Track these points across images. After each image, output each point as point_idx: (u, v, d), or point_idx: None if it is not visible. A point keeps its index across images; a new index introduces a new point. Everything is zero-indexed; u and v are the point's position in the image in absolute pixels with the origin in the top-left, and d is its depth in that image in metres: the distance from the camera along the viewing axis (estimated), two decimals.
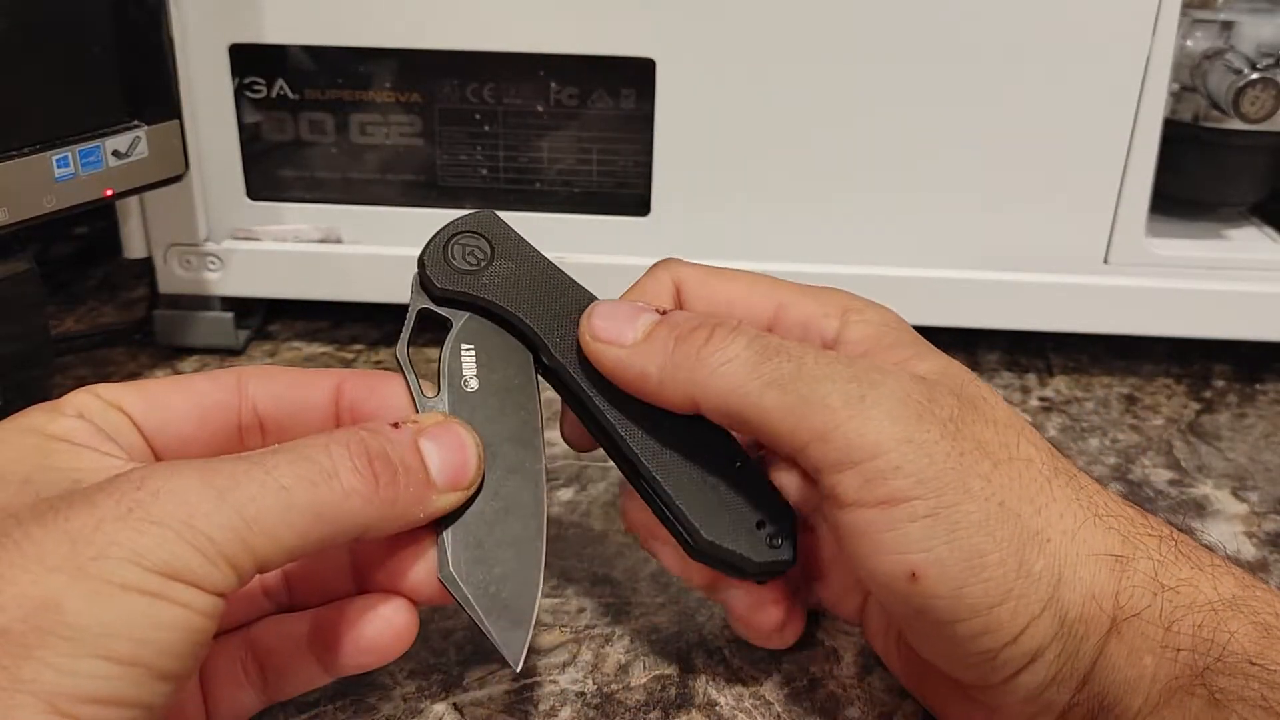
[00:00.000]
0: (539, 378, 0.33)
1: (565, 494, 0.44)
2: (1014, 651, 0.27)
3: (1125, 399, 0.53)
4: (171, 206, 0.51)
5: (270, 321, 0.57)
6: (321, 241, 0.52)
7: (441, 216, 0.51)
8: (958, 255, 0.51)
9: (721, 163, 0.50)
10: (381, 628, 0.30)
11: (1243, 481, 0.46)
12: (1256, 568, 0.41)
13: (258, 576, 0.26)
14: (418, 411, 0.31)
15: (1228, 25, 0.51)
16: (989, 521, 0.27)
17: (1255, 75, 0.49)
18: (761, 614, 0.33)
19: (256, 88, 0.50)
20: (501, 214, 0.51)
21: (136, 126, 0.44)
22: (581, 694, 0.34)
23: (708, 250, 0.51)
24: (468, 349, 0.32)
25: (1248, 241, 0.55)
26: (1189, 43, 0.51)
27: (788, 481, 0.32)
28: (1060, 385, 0.54)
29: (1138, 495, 0.45)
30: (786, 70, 0.48)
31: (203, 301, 0.53)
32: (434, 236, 0.33)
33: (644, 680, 0.34)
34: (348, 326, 0.57)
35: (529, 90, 0.50)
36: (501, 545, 0.30)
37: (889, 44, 0.48)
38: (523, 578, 0.30)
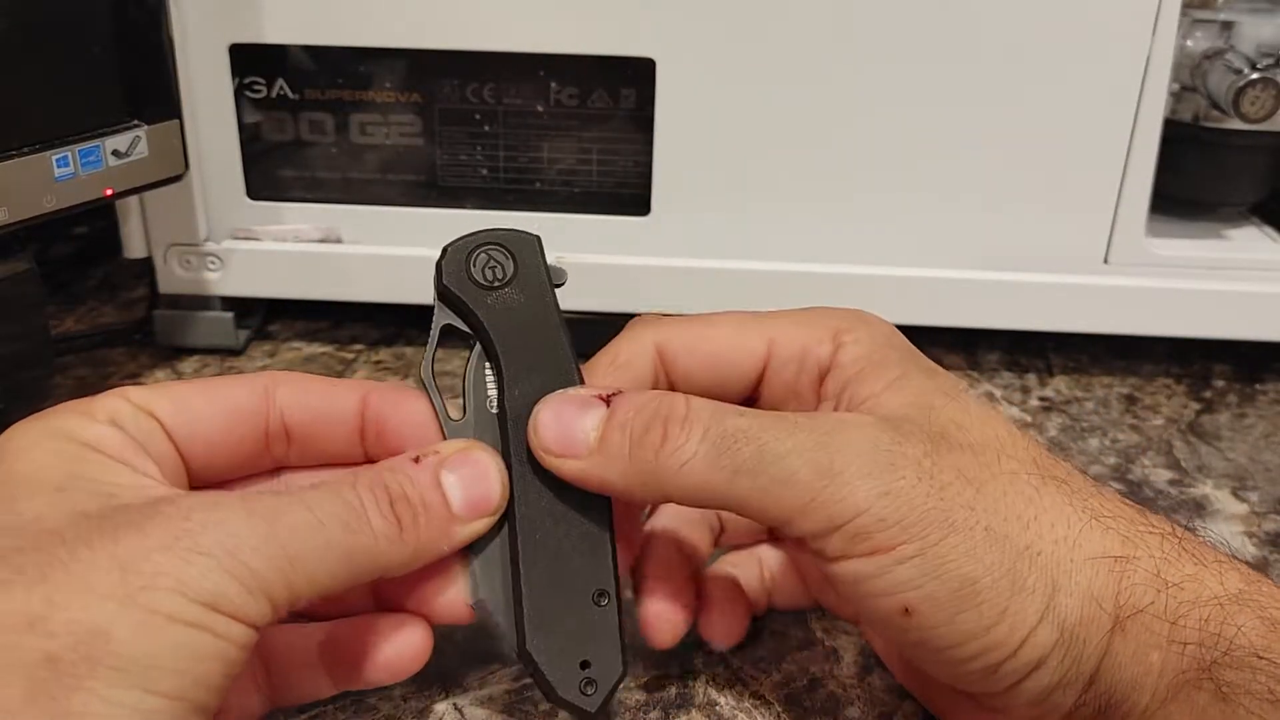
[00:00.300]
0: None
1: None
2: (1015, 664, 0.27)
3: (1125, 399, 0.53)
4: (171, 206, 0.51)
5: (270, 321, 0.57)
6: (321, 241, 0.52)
7: (441, 216, 0.52)
8: (958, 255, 0.51)
9: (721, 163, 0.50)
10: (400, 648, 0.30)
11: (1243, 481, 0.46)
12: (1256, 568, 0.41)
13: None
14: (444, 434, 0.31)
15: (1228, 25, 0.51)
16: (976, 549, 0.27)
17: (1255, 75, 0.49)
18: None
19: (256, 88, 0.50)
20: (501, 214, 0.51)
21: (136, 126, 0.44)
22: None
23: (708, 250, 0.51)
24: (491, 368, 0.32)
25: (1248, 241, 0.55)
26: (1189, 43, 0.51)
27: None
28: (1060, 385, 0.54)
29: (1138, 495, 0.45)
30: (786, 70, 0.48)
31: (203, 301, 0.53)
32: (466, 236, 0.32)
33: (644, 680, 0.34)
34: (348, 326, 0.57)
35: (529, 90, 0.50)
36: None
37: (889, 44, 0.48)
38: None
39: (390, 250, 0.52)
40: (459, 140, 0.51)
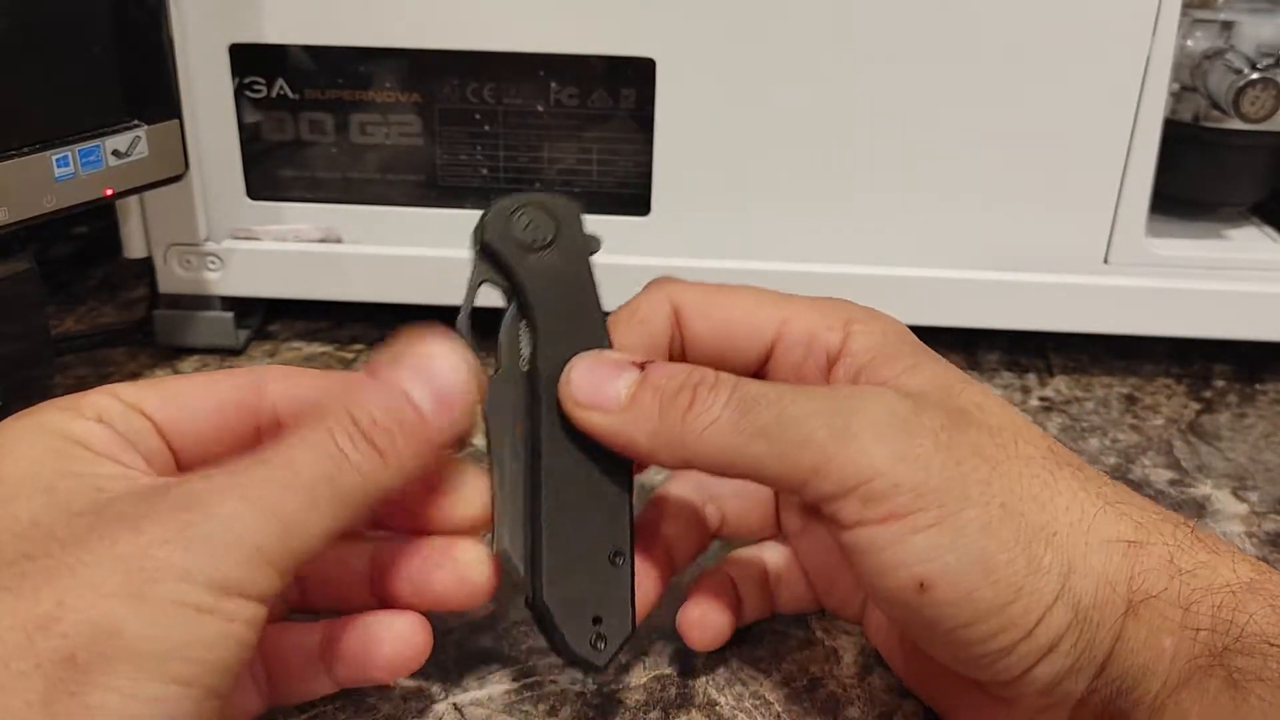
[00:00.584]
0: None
1: None
2: (1029, 646, 0.27)
3: (1125, 399, 0.53)
4: (171, 206, 0.51)
5: (270, 321, 0.57)
6: (321, 241, 0.52)
7: (441, 216, 0.52)
8: (958, 255, 0.51)
9: (721, 163, 0.50)
10: (399, 646, 0.30)
11: (1243, 481, 0.46)
12: None
13: None
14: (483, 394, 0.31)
15: (1228, 25, 0.51)
16: (992, 524, 0.27)
17: (1255, 75, 0.49)
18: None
19: (256, 87, 0.50)
20: None
21: (136, 126, 0.44)
22: (581, 694, 0.34)
23: (708, 250, 0.51)
24: (525, 327, 0.32)
25: (1248, 241, 0.55)
26: (1189, 43, 0.51)
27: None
28: (1060, 385, 0.54)
29: None
30: (786, 70, 0.48)
31: (203, 301, 0.53)
32: (512, 196, 0.33)
33: (644, 680, 0.34)
34: (348, 326, 0.57)
35: (529, 90, 0.50)
36: None
37: (889, 44, 0.48)
38: None
39: (390, 250, 0.52)
40: (459, 140, 0.51)
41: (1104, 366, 0.55)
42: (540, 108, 0.50)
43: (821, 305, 0.33)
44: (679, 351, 0.33)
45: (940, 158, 0.49)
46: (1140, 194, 0.50)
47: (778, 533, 0.37)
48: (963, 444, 0.28)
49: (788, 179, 0.50)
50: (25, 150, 0.40)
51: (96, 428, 0.28)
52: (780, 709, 0.34)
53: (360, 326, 0.57)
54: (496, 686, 0.34)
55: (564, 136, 0.50)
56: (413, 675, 0.34)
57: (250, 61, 0.49)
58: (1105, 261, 0.51)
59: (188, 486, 0.26)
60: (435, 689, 0.34)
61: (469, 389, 0.30)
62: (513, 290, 0.32)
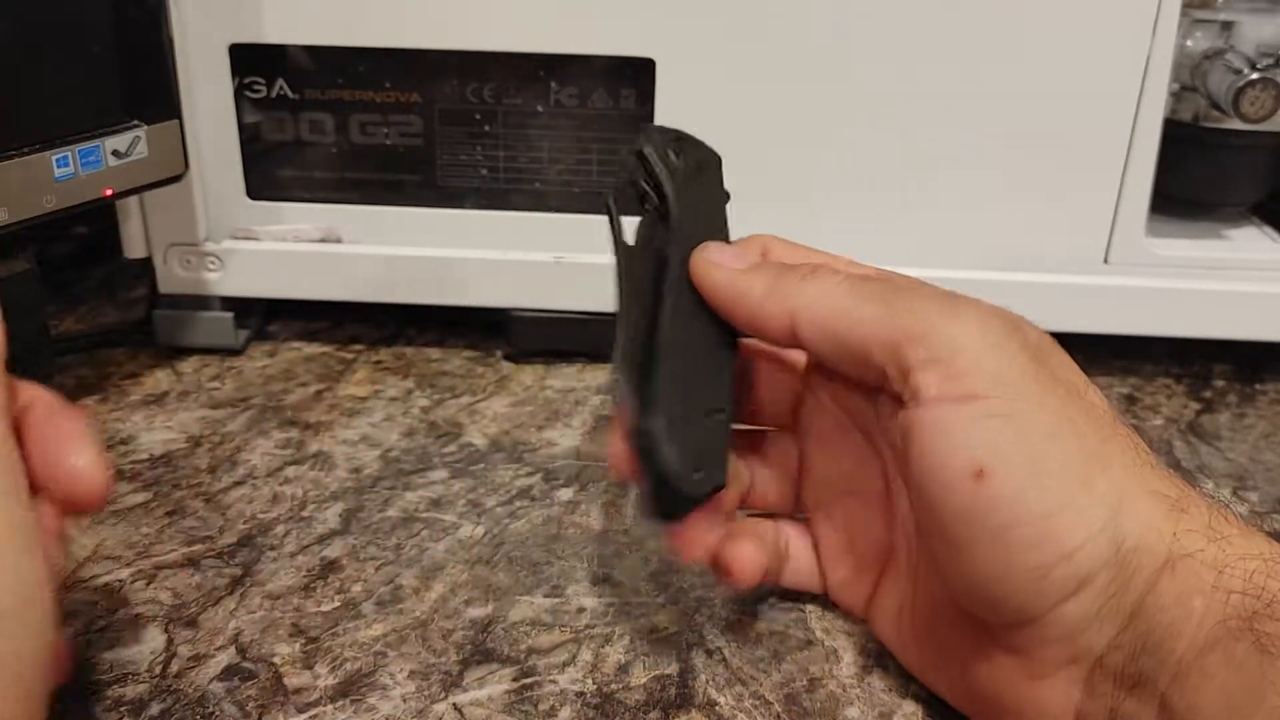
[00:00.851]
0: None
1: (565, 494, 0.44)
2: (1066, 570, 0.27)
3: (1125, 399, 0.53)
4: (171, 206, 0.51)
5: (270, 321, 0.57)
6: (321, 241, 0.52)
7: (441, 217, 0.52)
8: (958, 255, 0.51)
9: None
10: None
11: (1243, 481, 0.46)
12: None
13: None
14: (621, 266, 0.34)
15: (1228, 25, 0.51)
16: (1058, 432, 0.28)
17: (1255, 75, 0.49)
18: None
19: (256, 88, 0.50)
20: (501, 214, 0.51)
21: (136, 126, 0.44)
22: (581, 694, 0.34)
23: None
24: (660, 227, 0.35)
25: (1248, 241, 0.55)
26: (1189, 43, 0.51)
27: None
28: None
29: None
30: (786, 71, 0.48)
31: (203, 301, 0.53)
32: (670, 128, 0.36)
33: (644, 680, 0.34)
34: (348, 326, 0.57)
35: (529, 90, 0.50)
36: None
37: (889, 44, 0.48)
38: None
39: (390, 250, 0.52)
40: (459, 140, 0.51)
41: (1104, 366, 0.55)
42: (540, 108, 0.50)
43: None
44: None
45: (940, 158, 0.49)
46: (1140, 194, 0.50)
47: (794, 513, 0.38)
48: (1045, 367, 0.30)
49: (787, 179, 0.50)
50: (25, 150, 0.40)
51: None
52: (780, 709, 0.34)
53: (360, 326, 0.57)
54: (496, 686, 0.34)
55: (564, 136, 0.50)
56: (413, 675, 0.34)
57: (250, 61, 0.49)
58: (1105, 261, 0.51)
59: None
60: (435, 689, 0.34)
61: None
62: (655, 194, 0.35)
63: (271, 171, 0.51)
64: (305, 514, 0.42)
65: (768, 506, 0.38)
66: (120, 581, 0.38)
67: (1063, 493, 0.28)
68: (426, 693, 0.34)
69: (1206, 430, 0.50)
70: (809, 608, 0.38)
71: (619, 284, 0.34)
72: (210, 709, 0.33)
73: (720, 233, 0.36)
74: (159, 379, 0.51)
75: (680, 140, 0.36)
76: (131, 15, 0.43)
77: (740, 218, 0.51)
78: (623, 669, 0.35)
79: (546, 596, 0.38)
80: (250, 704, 0.33)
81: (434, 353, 0.55)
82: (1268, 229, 0.55)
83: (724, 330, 0.34)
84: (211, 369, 0.52)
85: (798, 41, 0.48)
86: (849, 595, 0.36)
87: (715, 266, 0.33)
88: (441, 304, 0.53)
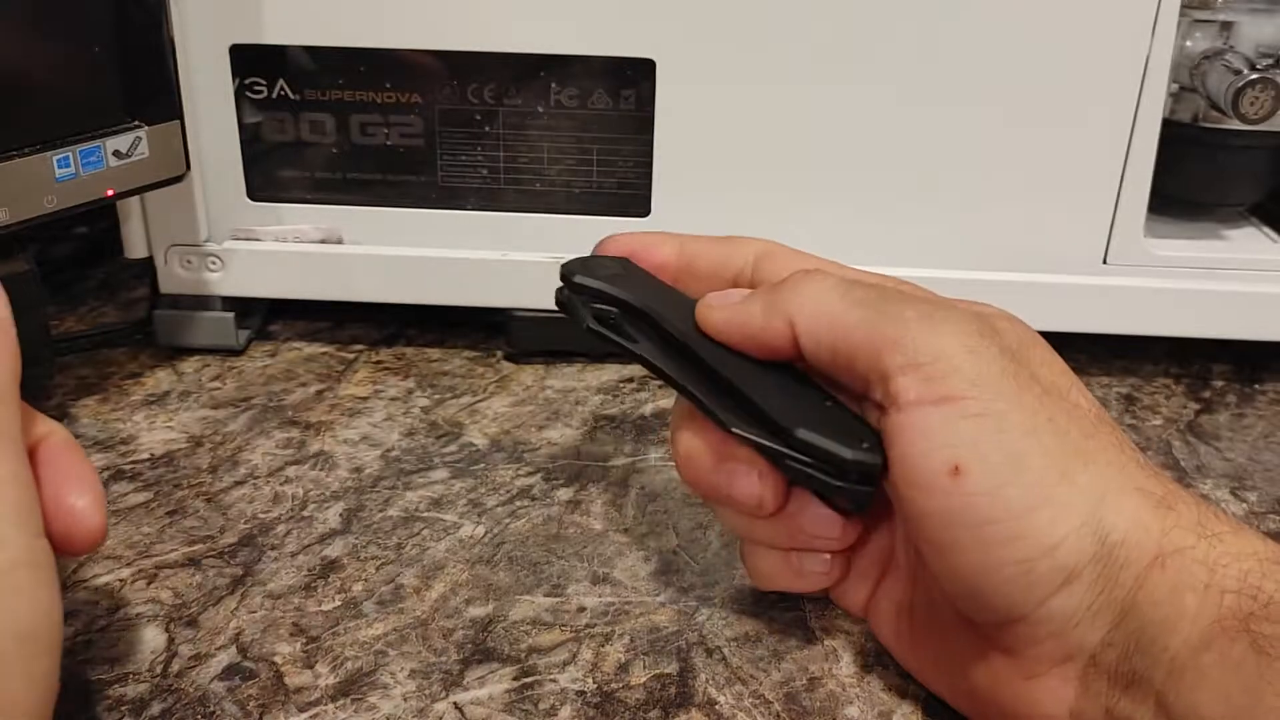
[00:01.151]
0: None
1: (565, 494, 0.44)
2: (1050, 564, 0.28)
3: (1124, 399, 0.53)
4: (172, 206, 0.51)
5: (271, 321, 0.57)
6: (322, 242, 0.52)
7: (441, 217, 0.52)
8: (957, 255, 0.51)
9: (721, 163, 0.50)
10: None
11: (1242, 481, 0.47)
12: None
13: None
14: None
15: (1227, 25, 0.51)
16: (1037, 430, 0.29)
17: (1254, 75, 0.49)
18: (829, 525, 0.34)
19: (257, 88, 0.50)
20: (502, 215, 0.52)
21: (137, 126, 0.44)
22: (581, 693, 0.34)
23: None
24: (634, 322, 0.36)
25: (1247, 241, 0.55)
26: (1188, 43, 0.51)
27: None
28: None
29: None
30: (786, 71, 0.48)
31: (203, 301, 0.53)
32: (568, 262, 0.37)
33: (644, 680, 0.34)
34: (348, 327, 0.57)
35: (529, 90, 0.50)
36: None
37: (888, 44, 0.48)
38: None
39: (391, 250, 0.52)
40: (459, 140, 0.51)
41: (1103, 366, 0.55)
42: (540, 108, 0.50)
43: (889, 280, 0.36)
44: (747, 286, 0.36)
45: (940, 158, 0.49)
46: (1139, 194, 0.50)
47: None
48: (1025, 367, 0.30)
49: (788, 180, 0.50)
50: (26, 150, 0.40)
51: None
52: (780, 709, 0.34)
53: (361, 327, 0.57)
54: (496, 686, 0.34)
55: (564, 137, 0.50)
56: (413, 675, 0.34)
57: (251, 62, 0.49)
58: (1104, 262, 0.51)
59: None
60: (436, 688, 0.34)
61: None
62: (613, 305, 0.36)
63: (272, 172, 0.51)
64: (306, 514, 0.42)
65: None
66: (121, 581, 0.38)
67: (1042, 487, 0.28)
68: (427, 692, 0.34)
69: (1205, 430, 0.50)
70: (809, 607, 0.38)
71: (671, 384, 0.34)
72: (211, 708, 0.33)
73: (676, 293, 0.37)
74: (160, 379, 0.51)
75: (585, 263, 0.37)
76: (132, 15, 0.43)
77: (740, 218, 0.51)
78: (623, 668, 0.35)
79: (547, 596, 0.38)
80: (251, 703, 0.33)
81: (434, 353, 0.55)
82: (1266, 229, 0.56)
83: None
84: (212, 369, 0.52)
85: (798, 42, 0.48)
86: (849, 597, 0.36)
87: (714, 310, 0.34)
88: (441, 304, 0.53)
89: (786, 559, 0.35)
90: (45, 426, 0.31)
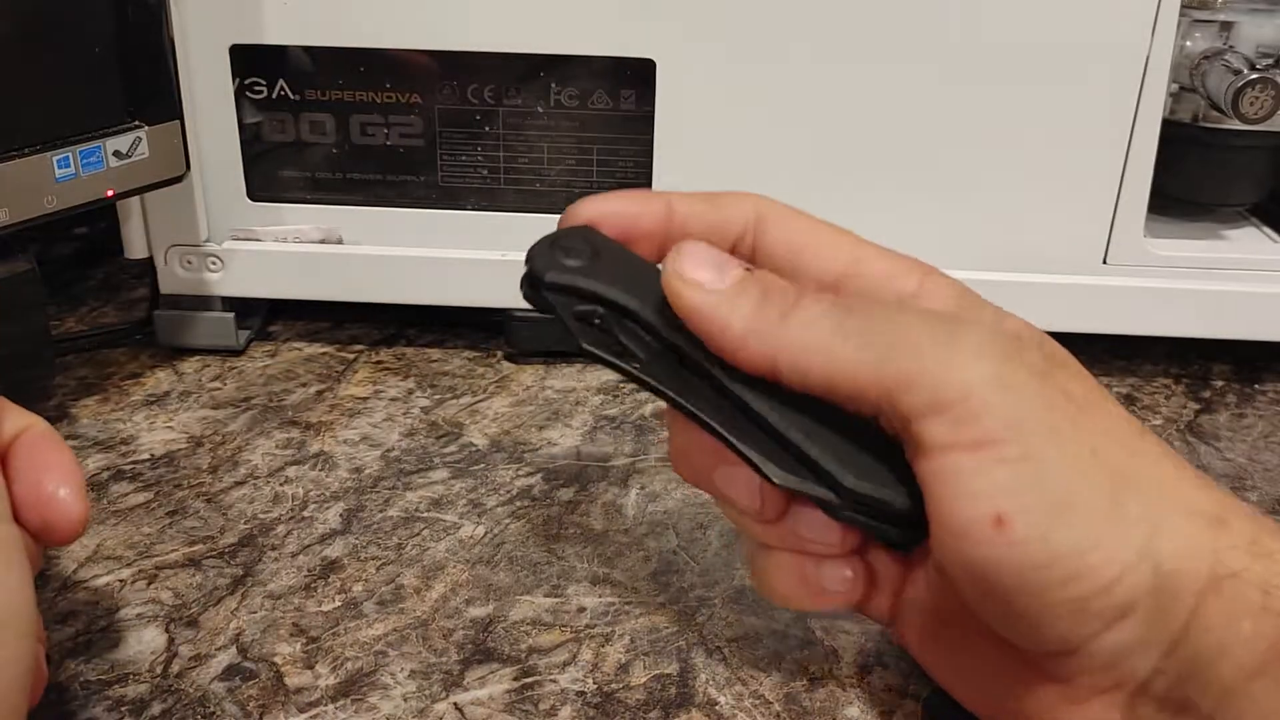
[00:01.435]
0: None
1: (565, 494, 0.44)
2: (1105, 602, 0.26)
3: (1124, 399, 0.53)
4: (172, 207, 0.51)
5: (271, 322, 0.57)
6: (322, 242, 0.52)
7: (441, 217, 0.52)
8: (957, 255, 0.51)
9: (721, 163, 0.50)
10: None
11: (1242, 481, 0.47)
12: None
13: None
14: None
15: (1227, 25, 0.51)
16: (1079, 465, 0.27)
17: (1254, 75, 0.49)
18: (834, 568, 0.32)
19: (257, 88, 0.50)
20: (502, 214, 0.52)
21: (137, 127, 0.44)
22: (581, 693, 0.34)
23: None
24: (622, 322, 0.31)
25: (1247, 241, 0.55)
26: (1188, 43, 0.51)
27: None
28: None
29: None
30: (786, 71, 0.48)
31: (204, 302, 0.53)
32: (536, 244, 0.32)
33: (644, 680, 0.34)
34: (348, 327, 0.57)
35: (529, 90, 0.50)
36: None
37: (888, 44, 0.48)
38: None
39: (391, 251, 0.52)
40: (459, 140, 0.51)
41: (1103, 366, 0.55)
42: (540, 108, 0.50)
43: (894, 254, 0.33)
44: (747, 257, 0.32)
45: (940, 158, 0.49)
46: (1139, 194, 0.50)
47: None
48: (1055, 385, 0.28)
49: (787, 180, 0.50)
50: (26, 151, 0.40)
51: None
52: (780, 709, 0.34)
53: (361, 327, 0.57)
54: (497, 686, 0.34)
55: (564, 137, 0.50)
56: (413, 675, 0.34)
57: (251, 62, 0.49)
58: (1104, 262, 0.51)
59: None
60: (435, 689, 0.34)
61: None
62: (595, 302, 0.31)
63: (272, 172, 0.51)
64: (306, 514, 0.42)
65: None
66: (121, 581, 0.38)
67: (1090, 527, 0.26)
68: (427, 692, 0.34)
69: (1205, 430, 0.50)
70: None
71: (684, 412, 0.30)
72: (211, 709, 0.33)
73: (647, 271, 0.32)
74: (160, 379, 0.51)
75: (559, 239, 0.32)
76: (132, 16, 0.43)
77: None
78: (623, 668, 0.35)
79: (547, 596, 0.38)
80: (251, 704, 0.33)
81: (434, 353, 0.55)
82: (1266, 229, 0.56)
83: None
84: (212, 369, 0.52)
85: (798, 43, 0.48)
86: (873, 608, 0.33)
87: (690, 287, 0.29)
88: (441, 304, 0.53)
89: (804, 578, 0.32)
90: (24, 419, 0.30)
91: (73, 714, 0.32)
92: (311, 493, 0.43)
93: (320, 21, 0.49)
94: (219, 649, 0.35)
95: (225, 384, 0.51)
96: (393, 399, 0.50)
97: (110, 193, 0.43)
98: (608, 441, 0.47)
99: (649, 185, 0.51)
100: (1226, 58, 0.50)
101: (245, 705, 0.33)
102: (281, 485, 0.44)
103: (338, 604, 0.37)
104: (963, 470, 0.27)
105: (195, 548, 0.40)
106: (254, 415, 0.49)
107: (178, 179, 0.46)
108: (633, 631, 0.36)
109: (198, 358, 0.53)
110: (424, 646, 0.35)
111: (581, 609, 0.37)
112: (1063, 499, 0.26)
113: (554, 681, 0.34)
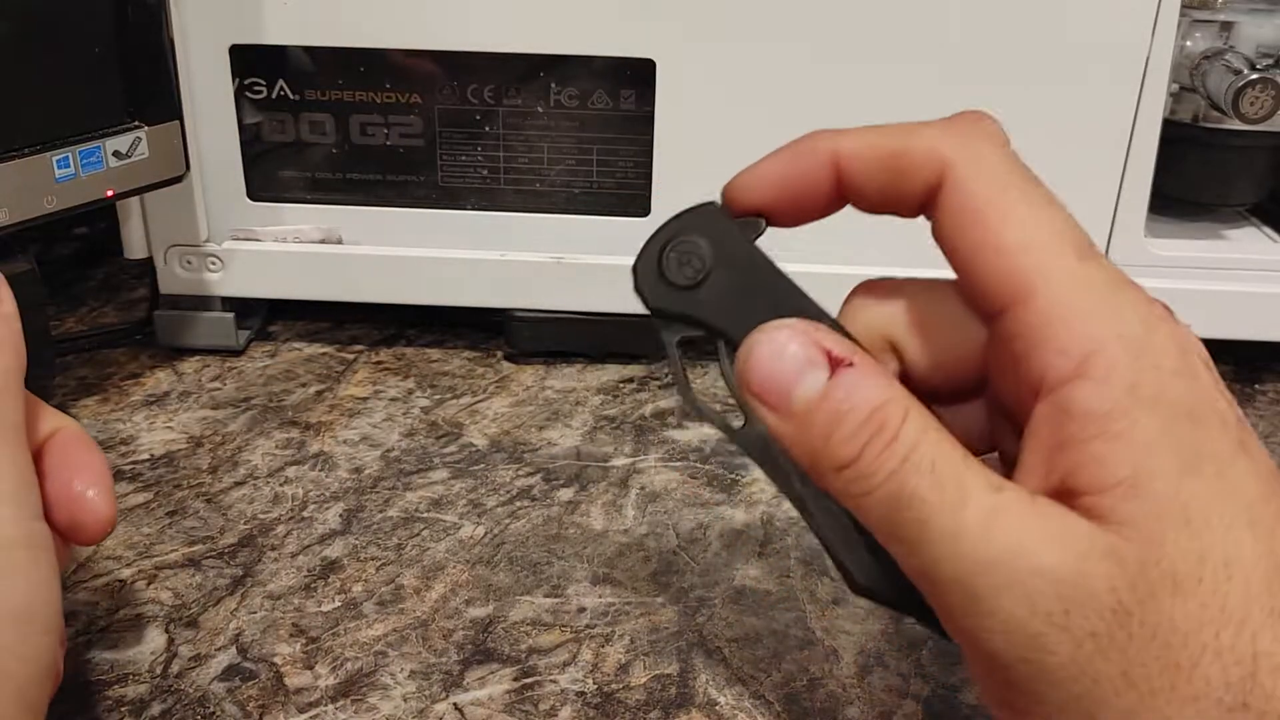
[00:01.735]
0: None
1: (565, 494, 0.44)
2: None
3: None
4: (172, 207, 0.51)
5: (271, 322, 0.57)
6: (322, 242, 0.52)
7: (441, 217, 0.52)
8: None
9: (721, 163, 0.50)
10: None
11: None
12: None
13: None
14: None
15: (1227, 25, 0.51)
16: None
17: (1255, 75, 0.49)
18: None
19: (257, 88, 0.50)
20: (502, 215, 0.51)
21: (137, 127, 0.44)
22: (581, 694, 0.34)
23: None
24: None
25: (1247, 241, 0.55)
26: (1188, 43, 0.51)
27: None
28: None
29: None
30: (786, 70, 0.48)
31: (204, 302, 0.53)
32: (647, 243, 0.28)
33: (644, 680, 0.34)
34: (348, 327, 0.57)
35: (529, 90, 0.50)
36: None
37: (888, 44, 0.48)
38: None
39: (391, 251, 0.52)
40: (459, 141, 0.51)
41: None
42: (540, 108, 0.50)
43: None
44: (830, 191, 0.29)
45: None
46: (1139, 194, 0.50)
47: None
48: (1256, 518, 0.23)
49: None
50: (26, 151, 0.40)
51: None
52: (780, 709, 0.34)
53: (361, 327, 0.57)
54: (497, 686, 0.34)
55: (564, 137, 0.50)
56: (413, 675, 0.34)
57: (250, 62, 0.49)
58: None
59: None
60: (436, 689, 0.34)
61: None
62: (709, 332, 0.27)
63: (272, 172, 0.51)
64: (306, 514, 0.42)
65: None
66: (121, 582, 0.38)
67: None
68: (427, 692, 0.34)
69: None
70: (809, 608, 0.38)
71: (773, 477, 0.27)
72: (211, 709, 0.33)
73: (790, 304, 0.28)
74: (160, 379, 0.52)
75: (668, 249, 0.28)
76: (132, 16, 0.43)
77: None
78: (623, 669, 0.35)
79: (547, 596, 0.38)
80: (251, 704, 0.33)
81: (434, 353, 0.55)
82: (1267, 229, 0.56)
83: None
84: (212, 369, 0.52)
85: (798, 42, 0.48)
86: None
87: (759, 405, 0.26)
88: (441, 304, 0.53)
89: None
90: (58, 420, 0.31)
91: (72, 714, 0.32)
92: (311, 493, 0.43)
93: (320, 21, 0.49)
94: (219, 649, 0.35)
95: (225, 384, 0.51)
96: (393, 399, 0.50)
97: (110, 193, 0.43)
98: (608, 441, 0.47)
99: (649, 185, 0.51)
100: (1227, 58, 0.50)
101: (245, 705, 0.33)
102: (281, 485, 0.44)
103: (337, 604, 0.37)
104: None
105: (195, 548, 0.40)
106: (254, 415, 0.49)
107: (177, 179, 0.46)
108: (633, 631, 0.36)
109: (197, 358, 0.53)
110: (424, 647, 0.35)
111: (581, 609, 0.37)
112: None
113: (554, 682, 0.34)
